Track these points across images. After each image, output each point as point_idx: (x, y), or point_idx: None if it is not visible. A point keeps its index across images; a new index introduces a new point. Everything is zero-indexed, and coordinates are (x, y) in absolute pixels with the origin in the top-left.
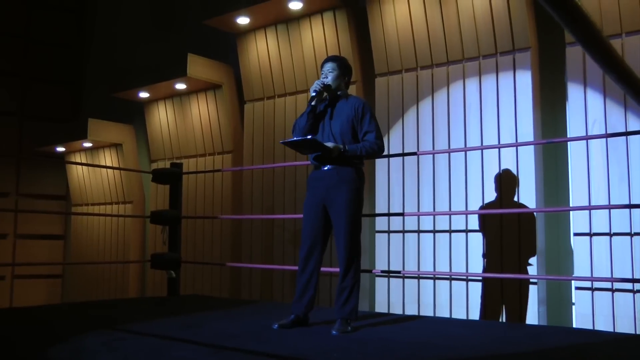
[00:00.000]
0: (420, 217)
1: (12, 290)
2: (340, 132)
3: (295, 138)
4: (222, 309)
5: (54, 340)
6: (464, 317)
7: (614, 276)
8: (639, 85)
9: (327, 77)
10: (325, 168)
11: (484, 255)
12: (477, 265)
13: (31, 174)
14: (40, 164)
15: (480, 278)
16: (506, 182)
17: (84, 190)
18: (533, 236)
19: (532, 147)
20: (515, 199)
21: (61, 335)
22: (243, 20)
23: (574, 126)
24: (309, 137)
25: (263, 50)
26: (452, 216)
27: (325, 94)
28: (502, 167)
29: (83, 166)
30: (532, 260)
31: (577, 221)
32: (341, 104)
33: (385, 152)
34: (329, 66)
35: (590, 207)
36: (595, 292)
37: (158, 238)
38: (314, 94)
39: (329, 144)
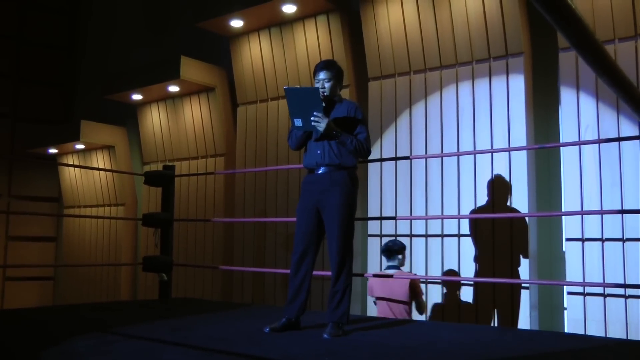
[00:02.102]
0: (413, 221)
1: (3, 292)
2: None
3: (299, 87)
4: (214, 312)
5: (44, 342)
6: (456, 321)
7: (605, 281)
8: (632, 89)
9: (324, 88)
10: (319, 172)
11: (476, 260)
12: (469, 269)
13: (23, 175)
14: (32, 166)
15: (472, 282)
16: (498, 186)
17: (76, 192)
18: (525, 241)
19: (524, 151)
20: (508, 203)
21: (52, 338)
22: (236, 23)
23: (566, 131)
24: (315, 86)
25: (256, 53)
26: (444, 220)
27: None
28: (495, 172)
29: (75, 168)
30: (524, 264)
31: (570, 226)
32: (336, 108)
33: (378, 156)
34: (323, 75)
35: (582, 212)
36: (587, 297)
37: (150, 240)
38: None
39: (326, 120)
